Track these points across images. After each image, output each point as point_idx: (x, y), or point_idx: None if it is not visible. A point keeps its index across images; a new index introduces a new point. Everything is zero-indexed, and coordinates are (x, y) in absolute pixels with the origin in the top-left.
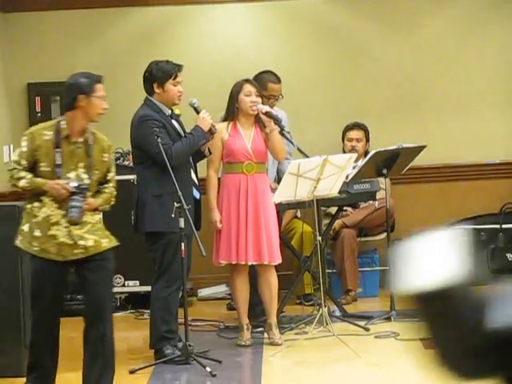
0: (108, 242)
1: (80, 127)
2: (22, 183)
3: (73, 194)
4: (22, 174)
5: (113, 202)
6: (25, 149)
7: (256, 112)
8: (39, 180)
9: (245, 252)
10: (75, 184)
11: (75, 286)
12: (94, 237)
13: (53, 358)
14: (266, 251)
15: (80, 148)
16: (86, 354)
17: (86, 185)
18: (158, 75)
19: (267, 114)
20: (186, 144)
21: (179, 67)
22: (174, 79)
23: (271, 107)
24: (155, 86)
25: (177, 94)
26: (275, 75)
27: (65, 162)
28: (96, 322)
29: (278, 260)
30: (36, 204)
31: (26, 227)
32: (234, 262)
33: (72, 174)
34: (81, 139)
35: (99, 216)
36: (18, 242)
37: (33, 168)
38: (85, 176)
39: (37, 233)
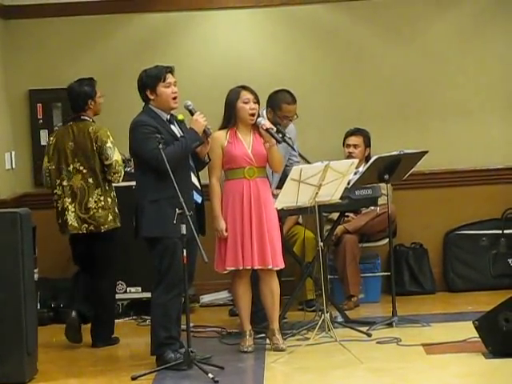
0: None
1: None
2: None
3: None
4: None
5: None
6: None
7: (254, 121)
8: None
9: (250, 257)
10: None
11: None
12: None
13: None
14: (270, 256)
15: None
16: None
17: None
18: (148, 81)
19: (267, 130)
20: (178, 147)
21: (168, 69)
22: (163, 81)
23: (285, 127)
24: (148, 92)
25: (171, 96)
26: (291, 95)
27: None
28: None
29: (281, 265)
30: None
31: None
32: (240, 268)
33: None
34: None
35: None
36: None
37: None
38: None
39: None
